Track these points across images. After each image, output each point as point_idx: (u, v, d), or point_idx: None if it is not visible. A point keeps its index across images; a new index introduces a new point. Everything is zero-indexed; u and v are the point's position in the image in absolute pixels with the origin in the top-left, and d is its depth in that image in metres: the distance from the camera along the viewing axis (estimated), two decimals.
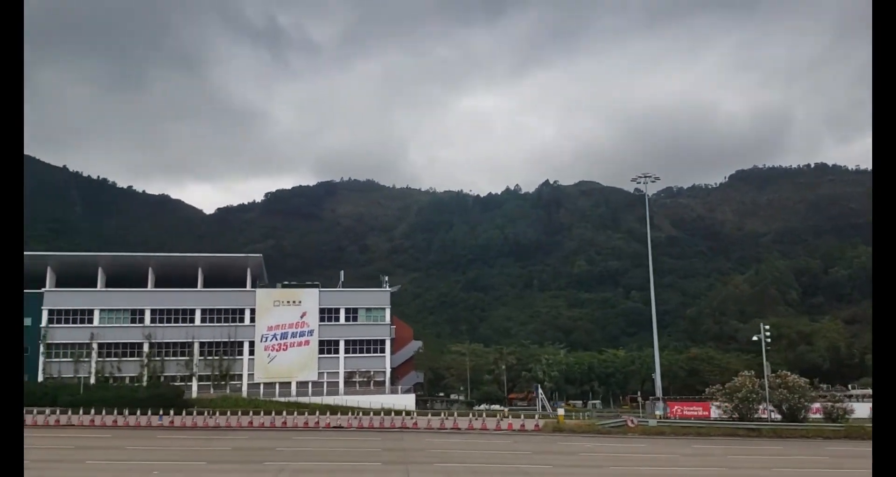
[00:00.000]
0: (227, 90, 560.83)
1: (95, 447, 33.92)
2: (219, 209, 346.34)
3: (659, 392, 72.65)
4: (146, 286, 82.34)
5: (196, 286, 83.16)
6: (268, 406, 69.61)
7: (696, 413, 72.12)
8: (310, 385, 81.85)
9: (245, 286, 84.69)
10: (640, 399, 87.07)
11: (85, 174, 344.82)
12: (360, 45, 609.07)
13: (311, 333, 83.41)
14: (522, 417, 56.60)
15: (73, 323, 79.88)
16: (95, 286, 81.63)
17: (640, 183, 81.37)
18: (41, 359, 78.42)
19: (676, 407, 73.94)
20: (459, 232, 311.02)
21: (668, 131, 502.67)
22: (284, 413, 59.65)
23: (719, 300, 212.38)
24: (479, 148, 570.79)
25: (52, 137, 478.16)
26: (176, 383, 77.63)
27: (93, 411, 59.69)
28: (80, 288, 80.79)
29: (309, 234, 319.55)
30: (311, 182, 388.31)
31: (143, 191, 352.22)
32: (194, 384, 79.77)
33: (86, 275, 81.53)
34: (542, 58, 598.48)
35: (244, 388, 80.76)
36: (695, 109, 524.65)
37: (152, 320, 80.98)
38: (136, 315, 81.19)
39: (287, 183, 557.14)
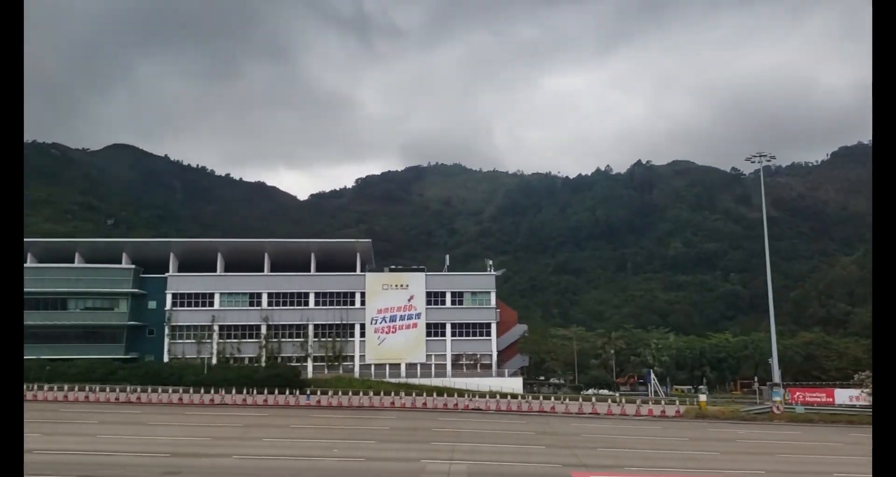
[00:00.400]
0: (315, 78, 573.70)
1: (261, 425, 35.52)
2: (312, 195, 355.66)
3: (777, 378, 70.28)
4: (262, 271, 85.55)
5: (309, 270, 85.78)
6: (380, 387, 71.44)
7: (819, 400, 69.49)
8: (418, 367, 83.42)
9: (355, 270, 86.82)
10: (756, 385, 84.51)
11: (185, 163, 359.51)
12: (444, 27, 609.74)
13: (418, 316, 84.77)
14: (663, 403, 56.15)
15: (195, 306, 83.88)
16: (215, 271, 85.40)
17: (753, 162, 78.27)
18: (166, 340, 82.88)
19: (798, 393, 71.39)
20: (548, 214, 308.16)
21: (765, 107, 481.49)
22: (424, 395, 61.33)
23: (825, 283, 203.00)
24: (565, 128, 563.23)
25: (154, 128, 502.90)
26: (291, 364, 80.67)
27: (214, 390, 62.79)
28: (201, 273, 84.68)
29: (398, 218, 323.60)
30: (399, 167, 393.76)
31: (241, 178, 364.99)
32: (309, 365, 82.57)
33: (206, 260, 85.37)
34: (631, 33, 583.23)
35: (356, 369, 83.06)
36: (794, 83, 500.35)
37: (269, 303, 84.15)
38: (254, 298, 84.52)
39: (375, 168, 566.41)
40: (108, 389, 64.64)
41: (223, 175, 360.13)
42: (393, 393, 62.13)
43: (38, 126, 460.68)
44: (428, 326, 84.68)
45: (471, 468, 21.06)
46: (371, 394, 60.83)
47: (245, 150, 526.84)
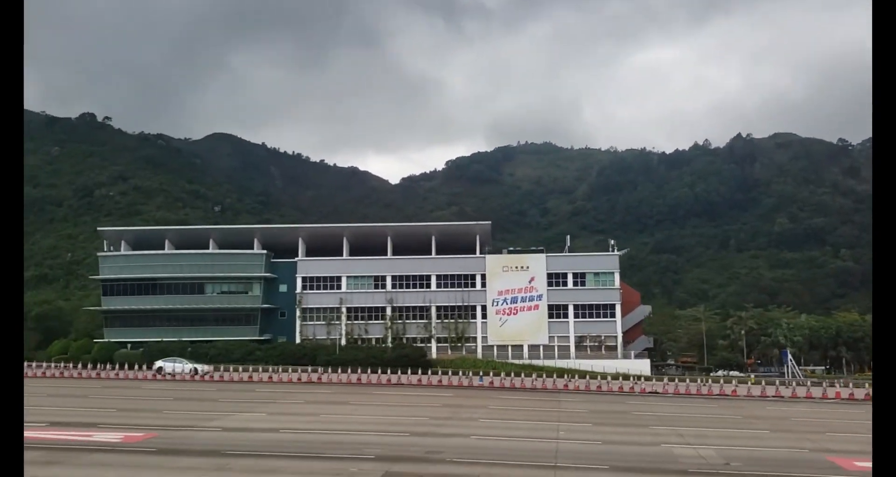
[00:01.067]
0: (403, 62, 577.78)
1: (457, 406, 36.29)
2: (403, 179, 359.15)
3: None
4: (385, 254, 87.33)
5: (430, 253, 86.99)
6: (505, 368, 71.91)
7: None
8: (541, 348, 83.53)
9: (474, 252, 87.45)
10: None
11: (281, 150, 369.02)
12: (530, 6, 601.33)
13: (539, 297, 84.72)
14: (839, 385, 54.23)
15: (323, 289, 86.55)
16: (341, 255, 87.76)
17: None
18: (297, 322, 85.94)
19: None
20: (645, 191, 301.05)
21: (868, 76, 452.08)
22: (566, 376, 61.60)
23: None
24: (656, 103, 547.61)
25: (250, 117, 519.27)
26: (416, 344, 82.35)
27: (350, 370, 64.53)
28: (328, 257, 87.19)
29: (490, 199, 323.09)
30: (487, 148, 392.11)
31: (334, 164, 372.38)
32: (433, 346, 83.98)
33: (332, 245, 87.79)
34: (723, 4, 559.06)
35: (479, 350, 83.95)
36: None
37: (393, 286, 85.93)
38: (379, 281, 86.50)
39: (463, 150, 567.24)
40: (250, 369, 67.22)
41: (318, 161, 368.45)
42: (545, 375, 62.64)
43: (143, 118, 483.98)
44: (550, 307, 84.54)
45: (721, 453, 20.88)
46: (523, 376, 61.38)
47: (336, 136, 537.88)
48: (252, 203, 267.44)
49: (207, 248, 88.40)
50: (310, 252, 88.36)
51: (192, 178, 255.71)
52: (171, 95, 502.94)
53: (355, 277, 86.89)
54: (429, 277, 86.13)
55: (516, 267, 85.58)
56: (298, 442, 22.19)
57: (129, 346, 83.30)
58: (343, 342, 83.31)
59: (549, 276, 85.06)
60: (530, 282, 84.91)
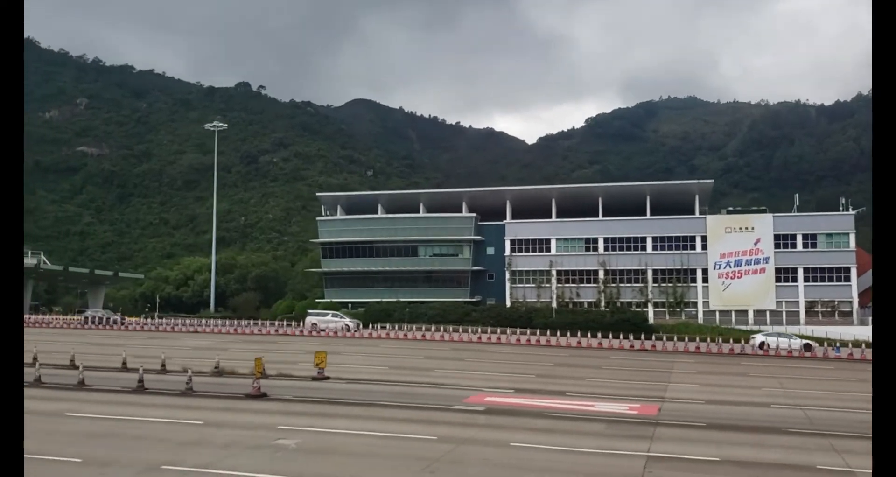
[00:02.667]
0: (532, 18, 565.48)
1: (714, 373, 34.84)
2: (540, 138, 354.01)
3: None
4: (596, 215, 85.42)
5: (644, 214, 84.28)
6: (730, 334, 68.70)
7: None
8: (767, 314, 79.51)
9: (692, 213, 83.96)
10: None
11: (418, 113, 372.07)
12: None
13: (766, 260, 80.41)
14: None
15: (532, 252, 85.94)
16: (549, 217, 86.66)
17: None
18: (507, 284, 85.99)
19: None
20: (803, 146, 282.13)
21: None
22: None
23: None
24: (802, 53, 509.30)
25: (385, 81, 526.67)
26: (632, 309, 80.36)
27: (559, 333, 63.41)
28: (536, 219, 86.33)
29: (633, 157, 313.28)
30: (620, 104, 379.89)
31: (470, 125, 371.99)
32: (650, 310, 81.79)
33: (538, 206, 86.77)
34: None
35: (699, 315, 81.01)
36: None
37: (605, 248, 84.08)
38: (590, 244, 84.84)
39: (594, 107, 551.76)
40: (470, 330, 67.24)
41: (453, 123, 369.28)
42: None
43: (287, 86, 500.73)
44: (777, 270, 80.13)
45: None
46: (708, 339, 58.38)
47: (468, 97, 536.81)
48: (400, 166, 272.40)
49: (416, 211, 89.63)
50: (516, 214, 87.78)
51: (344, 143, 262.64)
52: (310, 63, 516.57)
53: (565, 239, 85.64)
54: (644, 239, 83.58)
55: (740, 228, 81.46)
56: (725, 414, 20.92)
57: (349, 305, 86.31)
58: (554, 305, 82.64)
59: (776, 237, 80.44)
60: (755, 244, 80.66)
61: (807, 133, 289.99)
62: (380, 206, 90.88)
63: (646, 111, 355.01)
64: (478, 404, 21.54)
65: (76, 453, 14.39)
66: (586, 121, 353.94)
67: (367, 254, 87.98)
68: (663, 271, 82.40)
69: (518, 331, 69.93)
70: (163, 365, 27.47)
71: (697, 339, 59.84)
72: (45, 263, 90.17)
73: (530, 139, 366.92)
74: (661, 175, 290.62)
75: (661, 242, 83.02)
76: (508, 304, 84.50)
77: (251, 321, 77.31)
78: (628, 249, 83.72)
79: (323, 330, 63.67)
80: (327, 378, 26.02)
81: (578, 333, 62.94)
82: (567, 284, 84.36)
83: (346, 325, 65.53)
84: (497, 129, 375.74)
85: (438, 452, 15.03)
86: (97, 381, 24.65)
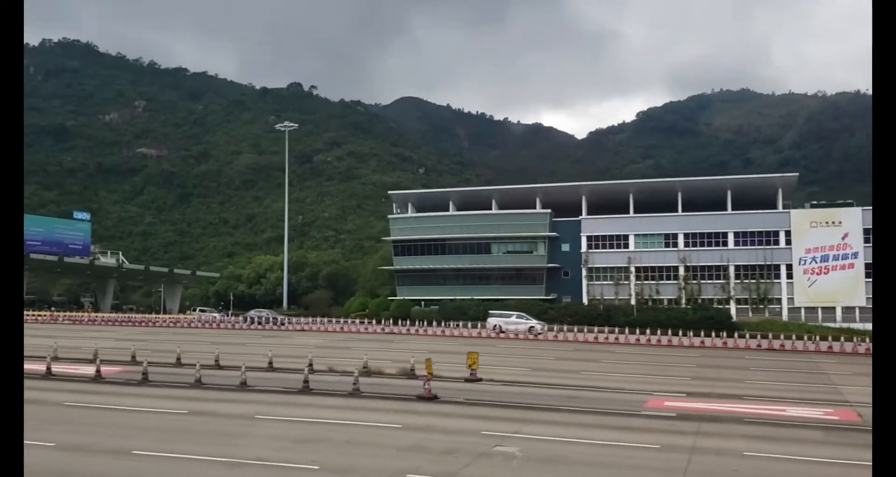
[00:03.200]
0: (578, 14, 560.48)
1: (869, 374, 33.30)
2: (590, 133, 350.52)
3: None
4: (675, 211, 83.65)
5: (725, 209, 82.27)
6: (818, 331, 66.37)
7: None
8: (856, 311, 76.82)
9: (775, 207, 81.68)
10: None
11: (465, 110, 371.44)
12: None
13: (854, 255, 77.72)
14: None
15: (609, 248, 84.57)
16: (626, 212, 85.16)
17: None
18: (584, 282, 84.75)
19: None
20: (864, 138, 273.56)
21: None
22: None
23: None
24: (861, 40, 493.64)
25: (432, 79, 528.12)
26: (713, 306, 78.45)
27: (638, 331, 61.67)
28: (613, 215, 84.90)
29: (686, 151, 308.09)
30: (671, 97, 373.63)
31: (518, 121, 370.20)
32: (732, 307, 79.77)
33: (615, 202, 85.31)
34: None
35: (784, 311, 78.79)
36: None
37: (685, 244, 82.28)
38: (670, 239, 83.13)
39: (641, 102, 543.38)
40: (574, 330, 66.12)
41: (501, 119, 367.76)
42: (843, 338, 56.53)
43: (336, 86, 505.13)
44: (867, 266, 77.29)
45: None
46: (794, 338, 56.12)
47: (516, 93, 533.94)
48: (450, 164, 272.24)
49: (488, 208, 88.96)
50: (591, 210, 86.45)
51: (394, 141, 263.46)
52: (357, 62, 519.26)
53: (644, 235, 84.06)
54: (725, 235, 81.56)
55: (826, 222, 78.90)
56: None
57: (422, 303, 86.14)
58: (633, 302, 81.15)
59: (866, 231, 77.66)
60: (843, 238, 78.03)
61: (868, 123, 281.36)
62: (451, 204, 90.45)
63: (698, 104, 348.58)
64: (663, 409, 20.73)
65: (308, 460, 14.06)
66: (637, 115, 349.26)
67: (440, 251, 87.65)
68: (745, 267, 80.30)
69: (596, 329, 68.56)
70: (310, 365, 27.32)
71: (817, 338, 57.63)
72: (124, 262, 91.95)
73: (579, 134, 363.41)
74: (716, 169, 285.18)
75: (743, 238, 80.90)
76: (585, 301, 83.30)
77: (331, 318, 77.69)
78: (709, 244, 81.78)
79: (503, 331, 60.92)
80: (480, 380, 25.50)
81: (669, 331, 61.46)
82: (646, 281, 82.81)
83: (533, 326, 62.32)
84: (545, 124, 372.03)
85: (677, 463, 14.31)
86: (255, 381, 24.52)
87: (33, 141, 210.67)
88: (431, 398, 21.35)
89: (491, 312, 67.85)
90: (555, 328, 65.78)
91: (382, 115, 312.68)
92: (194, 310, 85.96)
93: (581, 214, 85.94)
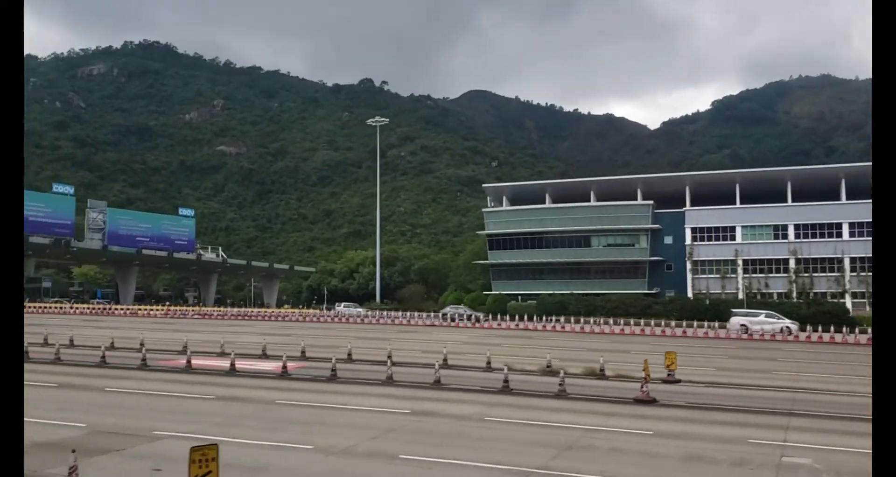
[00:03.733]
0: (649, 3, 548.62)
1: None
2: (664, 123, 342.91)
3: None
4: (784, 201, 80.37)
5: (838, 198, 78.61)
6: None
7: None
8: None
9: None
10: None
11: (534, 102, 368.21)
12: None
13: None
14: None
15: (715, 240, 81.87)
16: (729, 203, 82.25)
17: None
18: (689, 275, 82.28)
19: None
20: None
21: None
22: None
23: None
24: None
25: (500, 72, 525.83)
26: (830, 301, 75.02)
27: None
28: (718, 206, 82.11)
29: (765, 140, 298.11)
30: (748, 85, 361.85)
31: (589, 112, 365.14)
32: (847, 301, 76.17)
33: (720, 193, 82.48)
34: None
35: None
36: None
37: (796, 236, 79.01)
38: (779, 231, 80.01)
39: (717, 91, 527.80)
40: (652, 323, 63.73)
41: (571, 111, 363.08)
42: None
43: (404, 81, 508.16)
44: None
45: None
46: None
47: (585, 84, 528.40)
48: (523, 156, 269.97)
49: (586, 201, 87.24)
50: (696, 201, 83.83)
51: (465, 135, 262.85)
52: (424, 57, 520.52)
53: (752, 226, 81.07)
54: (839, 225, 77.94)
55: None
56: None
57: (519, 298, 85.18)
58: (741, 297, 78.32)
59: None
60: None
61: None
62: (547, 196, 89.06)
63: (776, 91, 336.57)
64: None
65: (597, 470, 13.22)
66: (712, 104, 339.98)
67: (537, 245, 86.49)
68: (862, 259, 76.45)
69: (706, 324, 66.11)
70: (488, 363, 26.67)
71: None
72: (224, 257, 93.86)
73: (651, 125, 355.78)
74: (797, 158, 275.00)
75: (860, 228, 77.03)
76: (690, 295, 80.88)
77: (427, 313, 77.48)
78: (822, 235, 78.32)
79: (747, 332, 55.38)
80: (679, 381, 24.34)
81: None
82: (754, 274, 79.84)
83: (787, 327, 56.52)
84: (617, 115, 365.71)
85: None
86: (455, 380, 24.02)
87: (119, 140, 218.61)
88: (650, 401, 20.32)
89: (734, 311, 61.59)
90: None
91: (451, 109, 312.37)
92: (316, 304, 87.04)
93: (684, 206, 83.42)
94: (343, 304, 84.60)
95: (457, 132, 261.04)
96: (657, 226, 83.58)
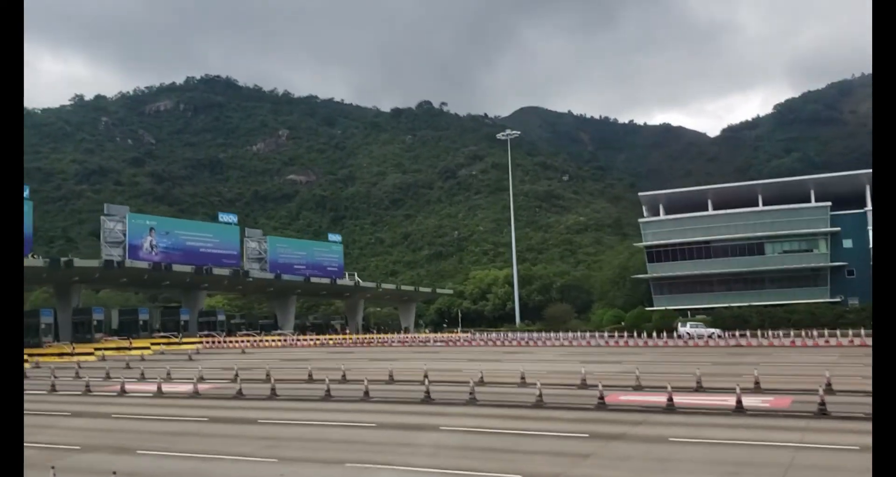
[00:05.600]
0: (692, 9, 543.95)
1: None
2: (723, 130, 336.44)
3: None
4: None
5: None
6: None
7: None
8: None
9: None
10: None
11: (587, 115, 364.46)
12: None
13: None
14: None
15: None
16: None
17: None
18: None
19: None
20: None
21: None
22: None
23: None
24: None
25: (549, 87, 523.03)
26: None
27: None
28: None
29: (833, 142, 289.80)
30: (808, 87, 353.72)
31: (645, 123, 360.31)
32: None
33: None
34: None
35: None
36: None
37: None
38: None
39: (772, 94, 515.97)
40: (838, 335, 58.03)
41: (626, 122, 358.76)
42: None
43: (456, 103, 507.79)
44: None
45: None
46: None
47: (635, 95, 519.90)
48: (590, 169, 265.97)
49: (750, 206, 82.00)
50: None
51: (529, 151, 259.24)
52: (471, 78, 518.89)
53: None
54: None
55: None
56: None
57: (688, 313, 79.89)
58: None
59: None
60: None
61: None
62: (709, 202, 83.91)
63: (839, 91, 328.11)
64: None
65: None
66: (774, 107, 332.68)
67: (703, 255, 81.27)
68: None
69: None
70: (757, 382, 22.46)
71: None
72: (359, 281, 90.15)
73: (710, 132, 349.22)
74: (870, 159, 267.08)
75: None
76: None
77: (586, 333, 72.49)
78: None
79: None
80: None
81: None
82: None
83: None
84: (673, 124, 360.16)
85: None
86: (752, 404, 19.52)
87: (192, 174, 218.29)
88: None
89: None
90: None
91: (506, 127, 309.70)
92: (447, 328, 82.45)
93: (865, 206, 77.73)
94: (688, 323, 75.70)
95: (519, 148, 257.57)
96: (836, 229, 77.97)
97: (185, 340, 60.57)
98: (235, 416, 23.50)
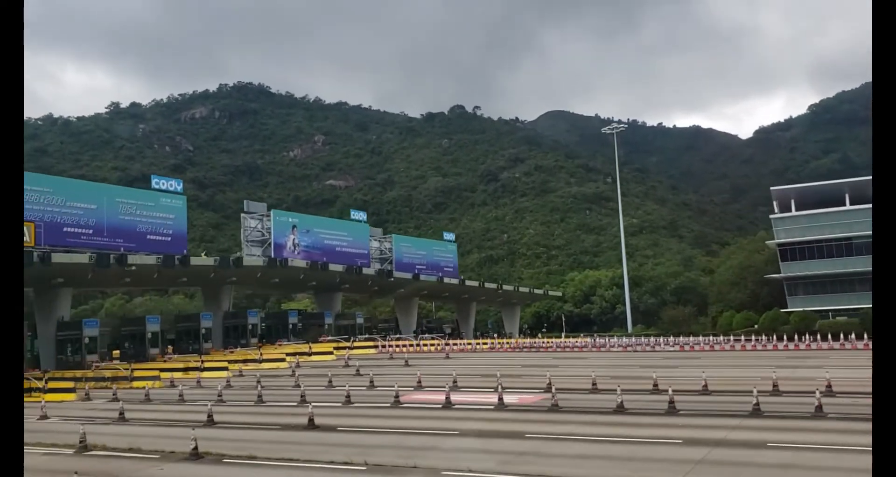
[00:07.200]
0: (714, 13, 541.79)
1: None
2: (756, 132, 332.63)
3: None
4: None
5: None
6: None
7: None
8: None
9: None
10: None
11: (615, 119, 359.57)
12: None
13: None
14: None
15: None
16: None
17: None
18: None
19: None
20: None
21: None
22: None
23: None
24: None
25: (575, 91, 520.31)
26: None
27: None
28: None
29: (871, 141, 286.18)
30: (843, 87, 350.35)
31: (674, 125, 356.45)
32: None
33: None
34: None
35: None
36: None
37: None
38: None
39: (805, 95, 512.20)
40: None
41: (655, 125, 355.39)
42: None
43: (485, 106, 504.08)
44: None
45: None
46: None
47: (660, 98, 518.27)
48: (629, 172, 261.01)
49: (843, 204, 77.46)
50: None
51: (567, 153, 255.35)
52: (495, 82, 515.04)
53: None
54: None
55: None
56: None
57: (830, 315, 75.10)
58: None
59: None
60: None
61: None
62: (847, 197, 79.12)
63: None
64: None
65: None
66: (809, 108, 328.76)
67: (845, 253, 76.41)
68: None
69: None
70: None
71: None
72: (462, 279, 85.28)
73: (742, 134, 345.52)
74: None
75: None
76: None
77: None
78: None
79: None
80: None
81: None
82: None
83: None
84: (703, 126, 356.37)
85: None
86: None
87: (232, 181, 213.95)
88: None
89: None
90: None
91: (535, 130, 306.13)
92: (545, 332, 77.61)
93: None
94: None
95: (556, 151, 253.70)
96: None
97: (356, 344, 55.70)
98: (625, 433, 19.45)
